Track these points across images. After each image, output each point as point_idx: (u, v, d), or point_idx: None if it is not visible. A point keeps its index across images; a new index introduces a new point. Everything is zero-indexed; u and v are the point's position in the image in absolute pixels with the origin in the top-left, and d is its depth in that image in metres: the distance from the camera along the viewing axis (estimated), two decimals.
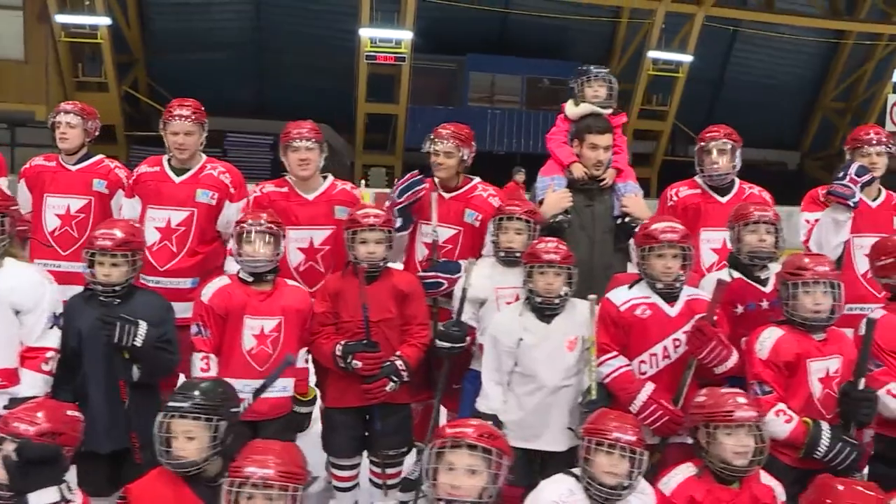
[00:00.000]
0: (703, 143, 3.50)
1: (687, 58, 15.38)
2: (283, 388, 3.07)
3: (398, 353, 3.12)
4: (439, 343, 3.10)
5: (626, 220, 3.51)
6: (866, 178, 3.30)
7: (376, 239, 3.13)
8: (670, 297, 2.81)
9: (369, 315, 3.09)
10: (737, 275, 3.01)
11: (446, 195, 3.60)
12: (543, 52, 16.24)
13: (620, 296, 2.84)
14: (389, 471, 3.28)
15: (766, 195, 3.62)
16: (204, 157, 3.71)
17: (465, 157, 3.56)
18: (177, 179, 3.61)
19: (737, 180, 3.58)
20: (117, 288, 2.80)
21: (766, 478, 2.42)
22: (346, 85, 15.06)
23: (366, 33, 14.22)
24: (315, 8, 14.97)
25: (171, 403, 2.21)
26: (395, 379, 3.08)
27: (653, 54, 15.29)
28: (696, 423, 2.41)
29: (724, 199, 3.49)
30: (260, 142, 15.29)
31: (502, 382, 2.92)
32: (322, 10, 15.07)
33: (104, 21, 12.89)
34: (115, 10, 13.48)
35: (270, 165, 15.42)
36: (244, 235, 3.04)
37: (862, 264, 3.41)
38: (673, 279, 2.77)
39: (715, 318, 2.74)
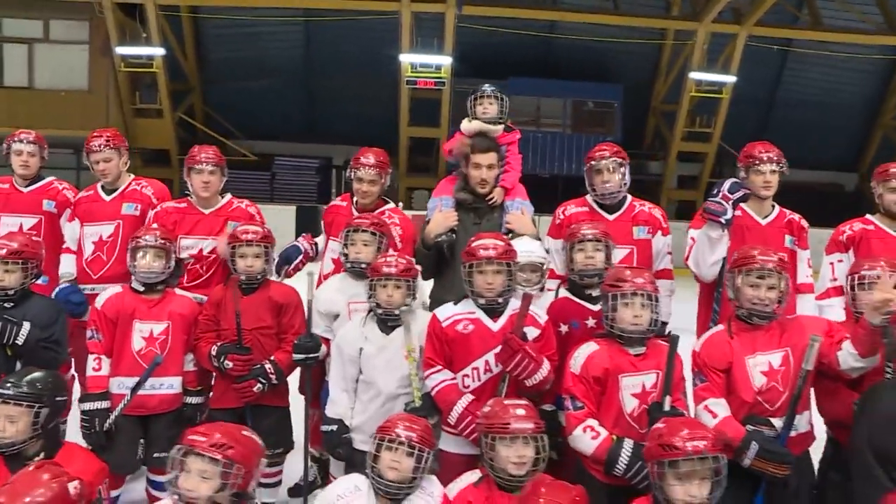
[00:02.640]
0: (592, 162, 3.58)
1: (730, 78, 15.08)
2: (170, 385, 3.40)
3: (272, 357, 3.38)
4: (294, 356, 3.31)
5: (510, 235, 3.64)
6: (739, 194, 3.33)
7: (254, 253, 3.42)
8: (494, 313, 2.92)
9: (245, 323, 3.38)
10: (563, 294, 3.11)
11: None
12: (588, 74, 16.28)
13: (445, 311, 2.97)
14: (266, 470, 3.51)
15: (658, 212, 3.69)
16: (131, 176, 4.12)
17: (386, 182, 3.83)
18: (107, 198, 4.04)
19: (628, 197, 3.67)
20: (10, 292, 3.18)
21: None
22: (391, 109, 15.51)
23: (406, 59, 14.65)
24: (361, 34, 15.52)
25: None
26: (264, 381, 3.33)
27: (695, 75, 15.07)
28: (478, 433, 2.53)
29: (611, 217, 3.58)
30: (307, 165, 15.96)
31: (348, 389, 3.10)
32: (367, 37, 15.61)
33: (159, 52, 13.82)
34: (171, 41, 14.43)
35: (317, 188, 16.09)
36: (138, 250, 3.38)
37: None
38: (495, 295, 2.89)
39: (539, 331, 2.86)
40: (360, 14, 14.48)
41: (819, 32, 15.10)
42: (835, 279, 3.63)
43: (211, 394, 3.56)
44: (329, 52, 16.02)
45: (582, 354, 2.76)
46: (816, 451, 2.96)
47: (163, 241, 3.39)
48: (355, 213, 3.86)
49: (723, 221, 3.30)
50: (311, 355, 3.32)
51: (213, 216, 3.82)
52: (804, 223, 3.60)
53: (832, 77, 16.64)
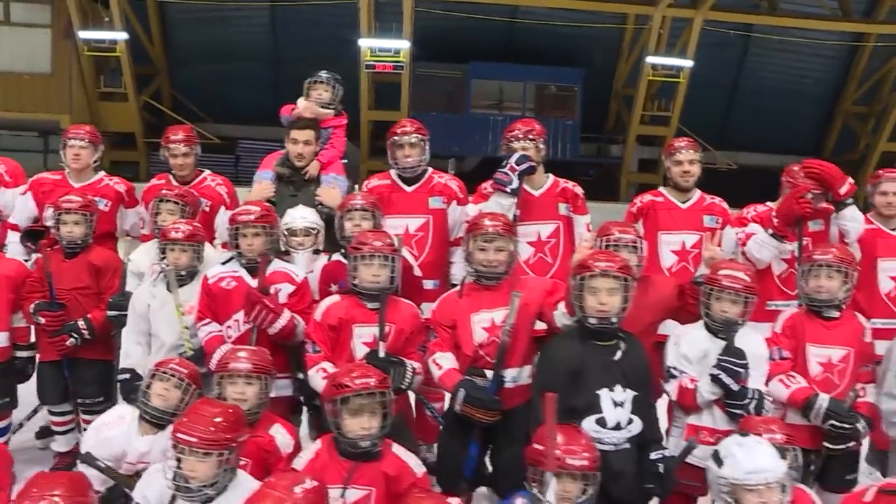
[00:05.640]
0: (395, 138, 3.89)
1: (687, 63, 15.25)
2: None
3: (87, 315, 3.71)
4: (108, 312, 3.64)
5: (319, 207, 3.94)
6: (525, 166, 3.60)
7: (74, 220, 3.73)
8: (255, 271, 3.21)
9: (65, 284, 3.70)
10: (336, 258, 3.42)
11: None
12: (551, 58, 16.45)
13: (214, 270, 3.31)
14: (86, 417, 3.84)
15: (455, 183, 3.96)
16: None
17: (197, 152, 4.15)
18: None
19: (429, 170, 3.96)
20: None
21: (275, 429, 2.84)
22: (354, 93, 15.80)
23: (365, 43, 14.91)
24: (326, 19, 15.75)
25: None
26: (75, 336, 3.66)
27: (651, 59, 15.26)
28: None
29: (410, 189, 3.89)
30: (270, 147, 16.17)
31: (141, 342, 3.45)
32: (332, 22, 15.85)
33: (122, 36, 14.13)
34: (135, 25, 14.72)
35: None
36: None
37: (524, 252, 3.72)
38: (254, 255, 3.22)
39: (273, 289, 3.18)
40: None
41: (776, 18, 15.27)
42: None
43: None
44: (295, 37, 16.25)
45: (323, 304, 3.09)
46: None
47: None
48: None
49: (508, 191, 3.59)
50: (123, 312, 3.64)
51: (81, 190, 4.09)
52: (578, 190, 3.84)
53: (794, 63, 16.76)
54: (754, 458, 2.34)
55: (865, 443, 3.49)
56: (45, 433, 4.15)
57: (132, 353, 3.45)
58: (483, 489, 3.22)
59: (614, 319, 2.66)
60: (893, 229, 3.78)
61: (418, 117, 16.93)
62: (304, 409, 3.54)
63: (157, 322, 3.39)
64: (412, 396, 3.67)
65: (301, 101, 4.38)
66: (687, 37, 15.10)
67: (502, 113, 16.82)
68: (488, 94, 16.69)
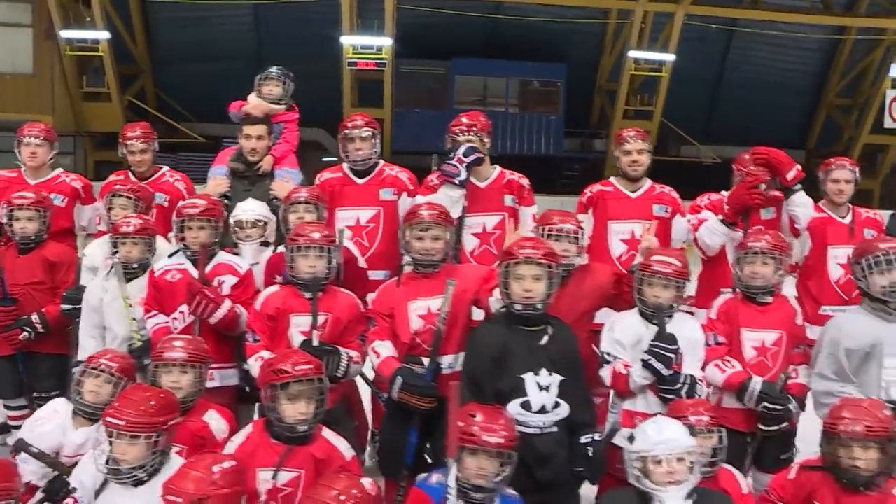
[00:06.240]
0: (346, 131, 3.89)
1: (669, 57, 15.33)
2: None
3: (42, 309, 3.75)
4: (62, 306, 3.68)
5: (273, 201, 3.99)
6: (472, 157, 3.62)
7: (27, 216, 3.77)
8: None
9: (19, 279, 3.75)
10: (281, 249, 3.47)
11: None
12: (534, 54, 16.53)
13: (160, 263, 3.36)
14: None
15: (405, 175, 3.98)
16: None
17: (155, 148, 4.20)
18: None
19: (380, 163, 3.99)
20: None
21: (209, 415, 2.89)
22: (338, 90, 15.84)
23: (347, 41, 14.95)
24: (307, 18, 15.81)
25: None
26: (29, 330, 3.71)
27: (633, 54, 15.33)
28: None
29: (361, 181, 3.92)
30: None
31: (95, 336, 3.49)
32: (315, 20, 15.91)
33: (104, 35, 14.14)
34: (118, 24, 14.73)
35: None
36: None
37: (470, 244, 3.78)
38: (198, 248, 3.27)
39: (217, 281, 3.23)
40: None
41: (758, 11, 15.33)
42: None
43: None
44: (278, 35, 16.28)
45: (262, 294, 3.15)
46: None
47: None
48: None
49: (457, 182, 3.62)
50: (77, 306, 3.68)
51: (37, 186, 4.10)
52: (524, 182, 3.86)
53: (777, 56, 16.87)
54: (662, 432, 2.41)
55: (818, 428, 3.55)
56: (2, 429, 4.20)
57: (86, 347, 3.48)
58: None
59: (539, 306, 2.70)
60: (843, 217, 3.83)
61: (402, 114, 17.02)
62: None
63: (109, 315, 3.43)
64: (366, 387, 3.75)
65: (252, 98, 4.42)
66: (669, 31, 15.19)
67: (486, 109, 16.83)
68: (472, 90, 16.75)
